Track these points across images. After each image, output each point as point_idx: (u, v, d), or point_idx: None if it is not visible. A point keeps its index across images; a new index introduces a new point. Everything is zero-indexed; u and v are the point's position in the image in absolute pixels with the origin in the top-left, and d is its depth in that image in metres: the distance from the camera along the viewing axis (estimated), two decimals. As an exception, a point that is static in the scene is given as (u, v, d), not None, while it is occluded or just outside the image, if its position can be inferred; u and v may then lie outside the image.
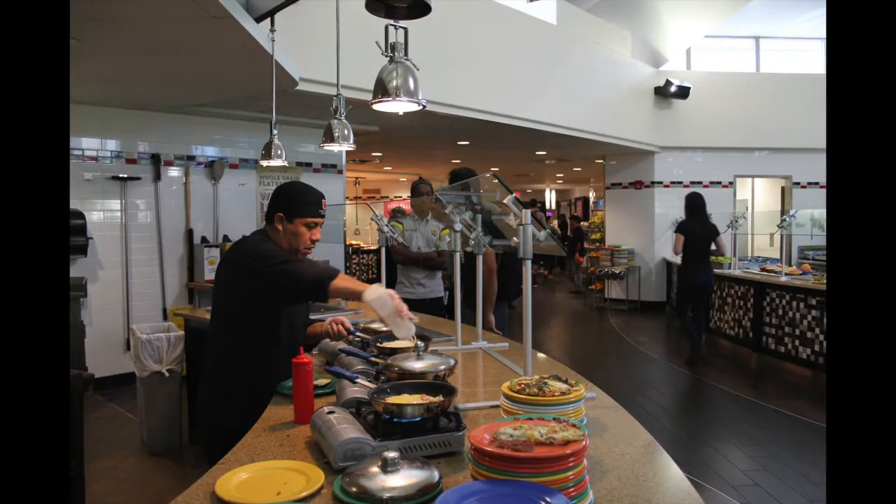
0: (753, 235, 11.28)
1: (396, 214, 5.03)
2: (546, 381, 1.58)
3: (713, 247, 6.84)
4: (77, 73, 4.64)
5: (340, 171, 7.89)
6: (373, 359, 2.07)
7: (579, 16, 9.74)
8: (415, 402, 1.49)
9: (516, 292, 4.42)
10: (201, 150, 6.78)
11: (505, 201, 1.93)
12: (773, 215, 9.64)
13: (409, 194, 5.17)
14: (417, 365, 1.80)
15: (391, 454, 1.25)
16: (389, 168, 14.45)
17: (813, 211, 9.19)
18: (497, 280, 4.23)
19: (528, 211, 1.83)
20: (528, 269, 1.92)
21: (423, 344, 1.95)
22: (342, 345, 2.40)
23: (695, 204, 6.89)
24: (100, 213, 6.13)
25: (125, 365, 5.84)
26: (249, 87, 5.29)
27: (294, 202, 2.38)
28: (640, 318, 10.45)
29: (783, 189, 11.61)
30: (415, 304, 4.53)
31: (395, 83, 1.90)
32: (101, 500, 3.61)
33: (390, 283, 4.43)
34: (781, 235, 7.07)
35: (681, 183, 11.06)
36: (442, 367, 1.82)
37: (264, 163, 4.07)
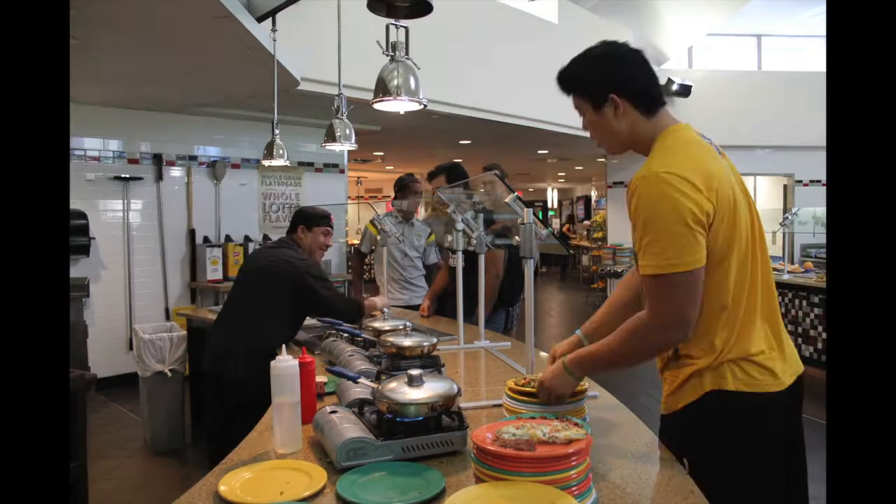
0: (756, 233, 11.24)
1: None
2: None
3: None
4: (79, 73, 4.64)
5: (342, 171, 7.88)
6: (363, 336, 2.53)
7: (580, 14, 9.71)
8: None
9: (516, 296, 3.92)
10: (203, 150, 6.78)
11: (507, 200, 1.93)
12: (775, 213, 9.63)
13: (397, 192, 4.58)
14: (406, 342, 2.09)
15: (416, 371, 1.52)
16: (391, 167, 14.45)
17: (815, 209, 9.17)
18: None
19: (531, 210, 1.83)
20: (530, 269, 1.92)
21: (411, 324, 2.29)
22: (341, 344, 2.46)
23: None
24: (102, 213, 6.13)
25: (128, 365, 5.84)
26: (251, 87, 5.29)
27: (309, 216, 3.17)
28: (642, 316, 10.42)
29: (785, 187, 11.59)
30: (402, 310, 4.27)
31: (396, 82, 1.91)
32: (104, 500, 3.62)
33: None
34: (784, 233, 7.05)
35: (683, 181, 11.01)
36: (426, 344, 2.09)
37: (266, 163, 4.07)
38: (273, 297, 2.88)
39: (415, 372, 1.51)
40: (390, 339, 2.14)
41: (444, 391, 1.50)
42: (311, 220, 3.14)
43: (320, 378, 2.03)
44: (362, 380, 1.71)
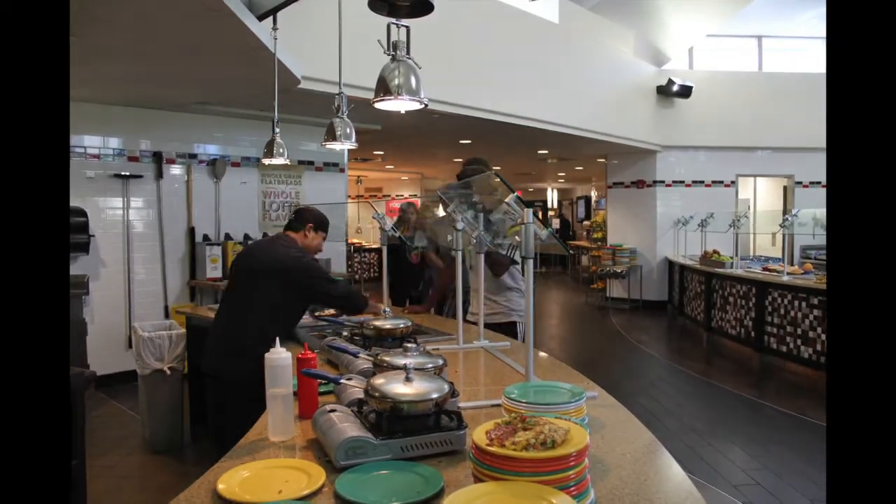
0: (755, 235, 11.26)
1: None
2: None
3: None
4: (79, 71, 4.64)
5: (342, 170, 7.88)
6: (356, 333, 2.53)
7: (581, 14, 9.71)
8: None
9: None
10: (203, 148, 6.78)
11: (507, 200, 1.93)
12: (775, 215, 9.63)
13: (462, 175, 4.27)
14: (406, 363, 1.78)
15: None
16: (391, 166, 14.45)
17: (815, 210, 9.17)
18: None
19: (531, 210, 1.83)
20: (530, 268, 1.92)
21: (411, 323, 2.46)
22: (334, 340, 2.49)
23: None
24: (102, 210, 6.13)
25: (127, 363, 5.84)
26: (251, 86, 5.29)
27: (322, 221, 3.27)
28: (641, 316, 10.44)
29: (785, 188, 11.59)
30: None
31: (396, 82, 1.91)
32: (102, 498, 3.62)
33: (391, 282, 4.33)
34: (783, 235, 7.05)
35: (683, 182, 11.04)
36: (430, 366, 1.79)
37: (266, 161, 4.07)
38: (279, 294, 2.94)
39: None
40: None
41: (436, 387, 1.51)
42: (322, 224, 3.26)
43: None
44: (361, 355, 1.73)
